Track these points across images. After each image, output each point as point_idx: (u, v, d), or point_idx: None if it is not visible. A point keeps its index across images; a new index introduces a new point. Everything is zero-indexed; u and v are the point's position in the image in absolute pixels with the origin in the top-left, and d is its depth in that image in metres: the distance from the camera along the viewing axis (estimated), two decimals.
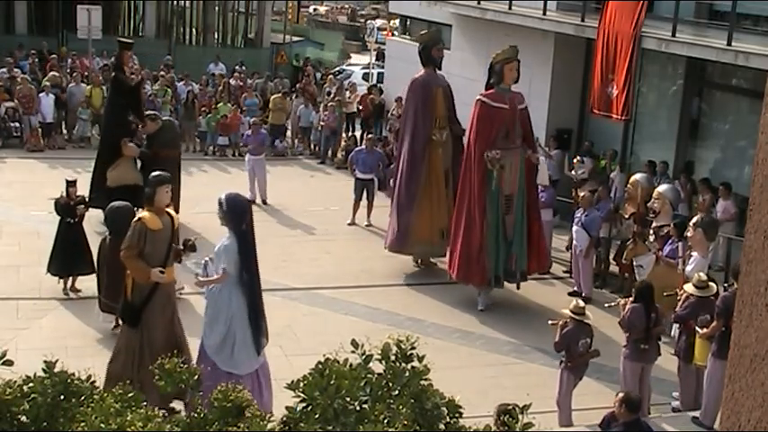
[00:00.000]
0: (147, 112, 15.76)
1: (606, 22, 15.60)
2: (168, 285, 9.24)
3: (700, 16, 16.40)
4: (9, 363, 4.19)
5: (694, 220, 11.32)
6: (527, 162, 13.25)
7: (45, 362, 4.21)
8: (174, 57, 28.14)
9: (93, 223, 13.76)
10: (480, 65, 16.34)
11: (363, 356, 4.09)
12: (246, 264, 8.44)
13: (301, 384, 3.93)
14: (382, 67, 29.17)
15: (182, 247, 9.34)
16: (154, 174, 9.51)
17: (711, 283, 9.89)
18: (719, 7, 16.18)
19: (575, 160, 16.73)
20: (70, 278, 12.76)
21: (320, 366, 3.99)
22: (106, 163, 15.25)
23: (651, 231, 12.61)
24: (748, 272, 3.48)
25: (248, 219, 8.54)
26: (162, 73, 24.05)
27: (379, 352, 4.09)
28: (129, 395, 4.04)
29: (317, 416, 3.83)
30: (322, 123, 22.34)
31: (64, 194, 12.75)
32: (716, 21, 15.78)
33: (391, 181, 15.62)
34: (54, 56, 25.64)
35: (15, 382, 4.13)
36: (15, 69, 23.64)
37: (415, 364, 4.10)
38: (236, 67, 26.75)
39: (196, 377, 4.37)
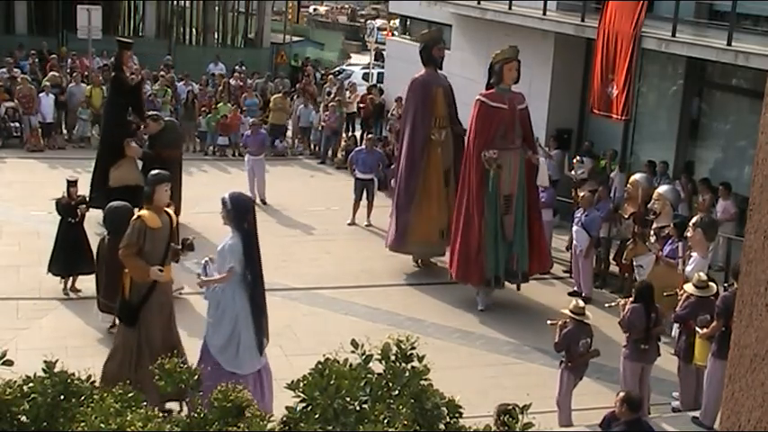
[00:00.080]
0: (150, 113, 15.76)
1: (606, 22, 15.59)
2: (166, 284, 9.24)
3: (700, 16, 16.39)
4: (9, 363, 4.19)
5: (694, 220, 11.32)
6: (527, 162, 13.24)
7: (45, 362, 4.21)
8: (174, 57, 28.15)
9: (92, 224, 13.75)
10: (480, 65, 16.33)
11: (363, 356, 4.08)
12: (250, 263, 8.45)
13: (301, 384, 3.92)
14: (382, 67, 29.18)
15: (180, 247, 9.35)
16: (153, 172, 9.51)
17: (711, 283, 9.89)
18: (719, 7, 16.17)
19: (574, 160, 16.73)
20: (71, 278, 12.77)
21: (320, 366, 3.99)
22: (106, 163, 15.25)
23: (652, 232, 12.62)
24: (748, 272, 3.48)
25: (251, 218, 8.56)
26: (162, 73, 24.05)
27: (379, 352, 4.09)
28: (129, 395, 4.04)
29: (316, 416, 3.82)
30: (323, 123, 22.33)
31: (65, 194, 12.77)
32: (716, 21, 15.78)
33: (392, 181, 15.62)
34: (54, 56, 25.68)
35: (15, 382, 4.12)
36: (15, 69, 23.65)
37: (415, 364, 4.09)
38: (236, 67, 26.76)
39: (196, 377, 4.36)
